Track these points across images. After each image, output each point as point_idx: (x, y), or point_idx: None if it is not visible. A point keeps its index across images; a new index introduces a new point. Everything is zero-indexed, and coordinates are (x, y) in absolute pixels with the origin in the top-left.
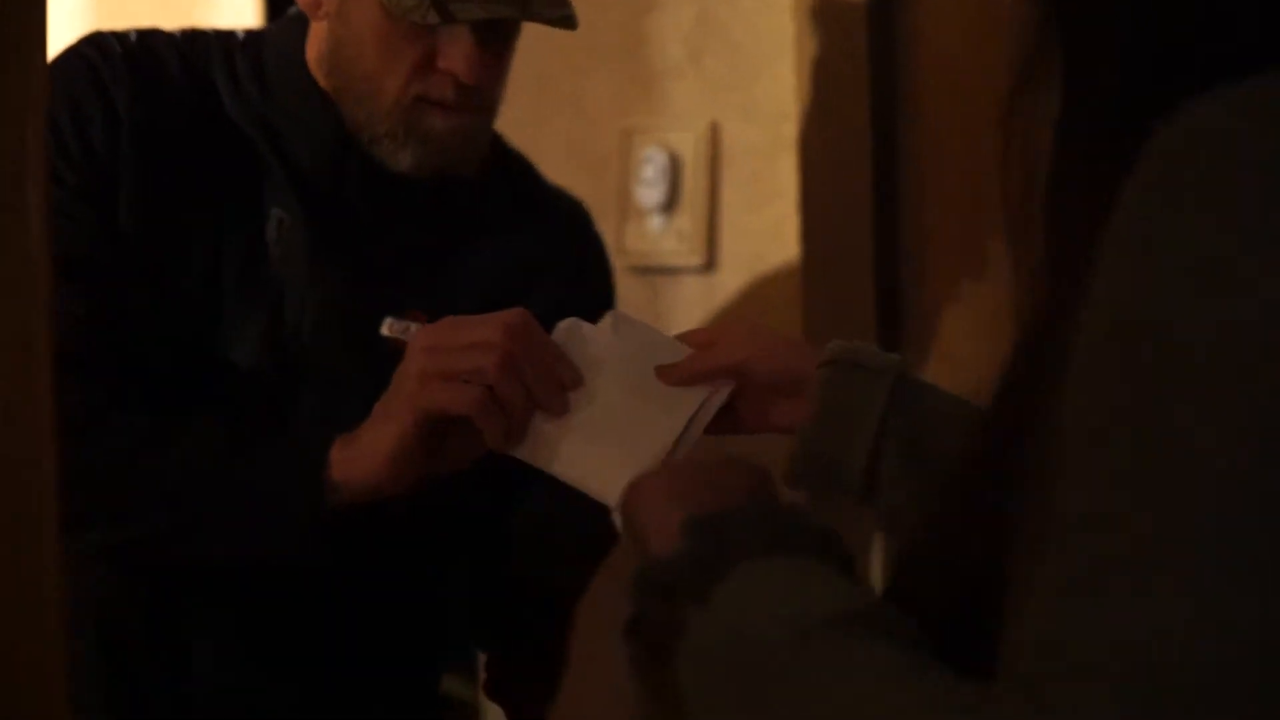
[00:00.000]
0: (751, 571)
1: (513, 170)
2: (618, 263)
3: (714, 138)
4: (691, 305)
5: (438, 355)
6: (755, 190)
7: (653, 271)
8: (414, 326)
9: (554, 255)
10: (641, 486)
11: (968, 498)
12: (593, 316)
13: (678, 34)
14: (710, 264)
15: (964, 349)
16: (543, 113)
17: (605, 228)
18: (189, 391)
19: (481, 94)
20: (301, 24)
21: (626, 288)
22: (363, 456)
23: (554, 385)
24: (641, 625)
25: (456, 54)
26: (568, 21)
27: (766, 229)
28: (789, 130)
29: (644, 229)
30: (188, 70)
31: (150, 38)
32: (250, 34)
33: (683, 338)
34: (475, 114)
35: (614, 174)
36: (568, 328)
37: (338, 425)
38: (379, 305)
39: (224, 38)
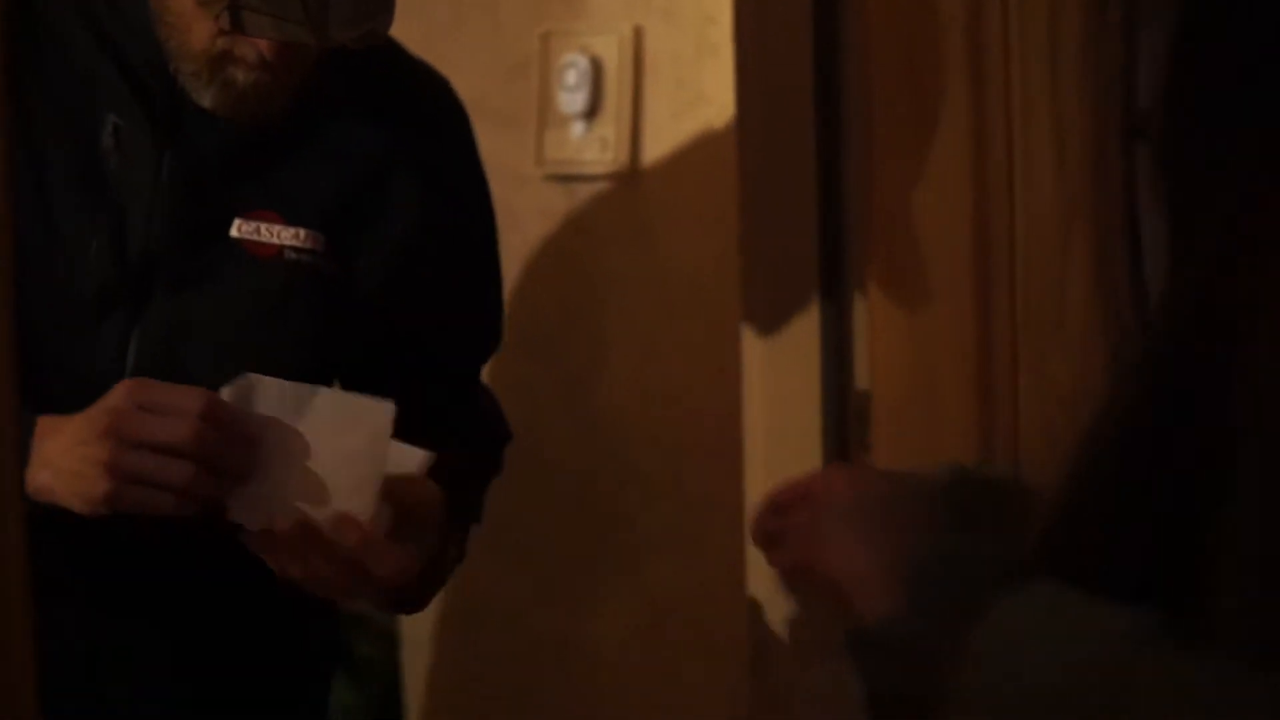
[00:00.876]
0: (1010, 608)
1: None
2: (536, 171)
3: (637, 42)
4: (614, 214)
5: (127, 455)
6: (679, 96)
7: (573, 180)
8: (264, 227)
9: (412, 143)
10: (803, 532)
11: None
12: (454, 208)
13: None
14: (634, 172)
15: (912, 260)
16: (457, 16)
17: (524, 136)
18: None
19: (284, 58)
20: None
21: (546, 197)
22: (46, 482)
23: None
24: (887, 692)
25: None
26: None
27: (692, 136)
28: (715, 34)
29: (565, 137)
30: None
31: None
32: None
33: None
34: (281, 73)
35: (533, 80)
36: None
37: (190, 335)
38: (227, 207)
39: None
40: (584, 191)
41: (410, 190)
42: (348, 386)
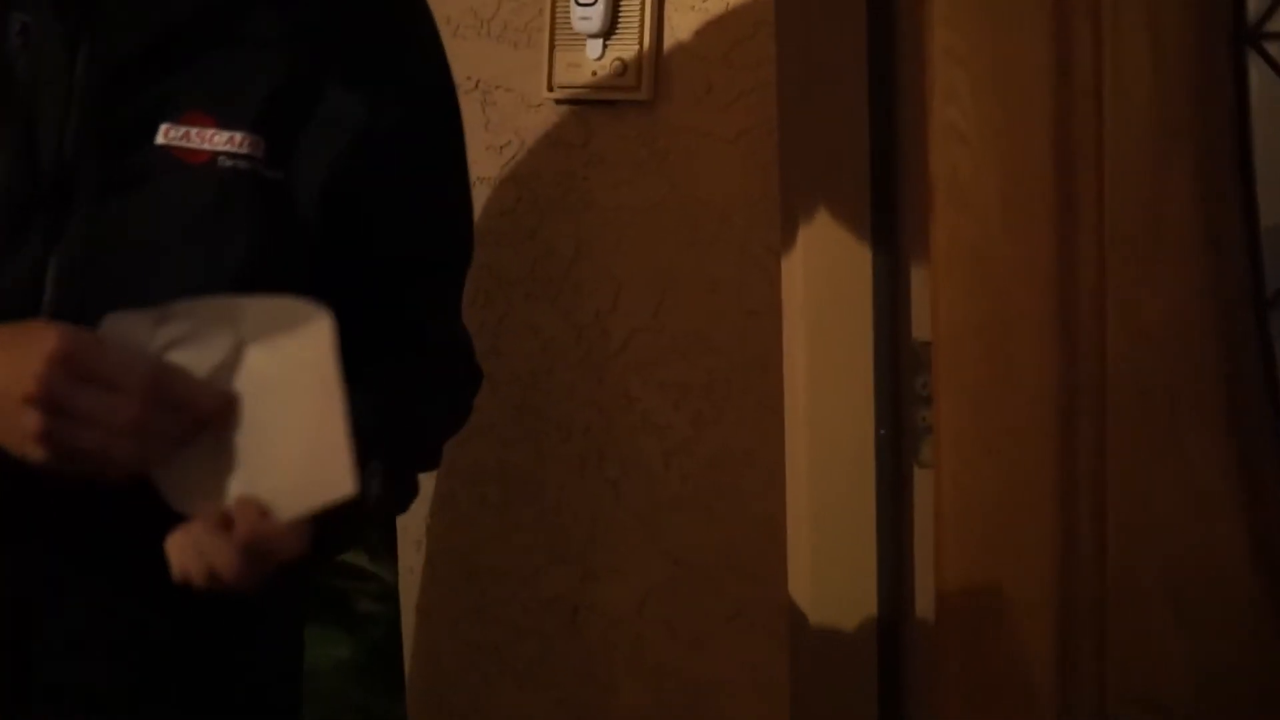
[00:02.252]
0: None
1: None
2: (547, 95)
3: None
4: (633, 143)
5: (63, 427)
6: (706, 8)
7: (588, 105)
8: (194, 131)
9: (354, 25)
10: None
11: None
12: (407, 101)
13: None
14: (655, 97)
15: (980, 180)
16: None
17: (534, 56)
18: None
19: None
20: None
21: (558, 122)
22: None
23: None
24: None
25: None
26: None
27: (720, 53)
28: None
29: (578, 57)
30: None
31: None
32: None
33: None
34: None
35: None
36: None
37: (116, 254)
38: (151, 110)
39: None
40: (600, 117)
41: (355, 81)
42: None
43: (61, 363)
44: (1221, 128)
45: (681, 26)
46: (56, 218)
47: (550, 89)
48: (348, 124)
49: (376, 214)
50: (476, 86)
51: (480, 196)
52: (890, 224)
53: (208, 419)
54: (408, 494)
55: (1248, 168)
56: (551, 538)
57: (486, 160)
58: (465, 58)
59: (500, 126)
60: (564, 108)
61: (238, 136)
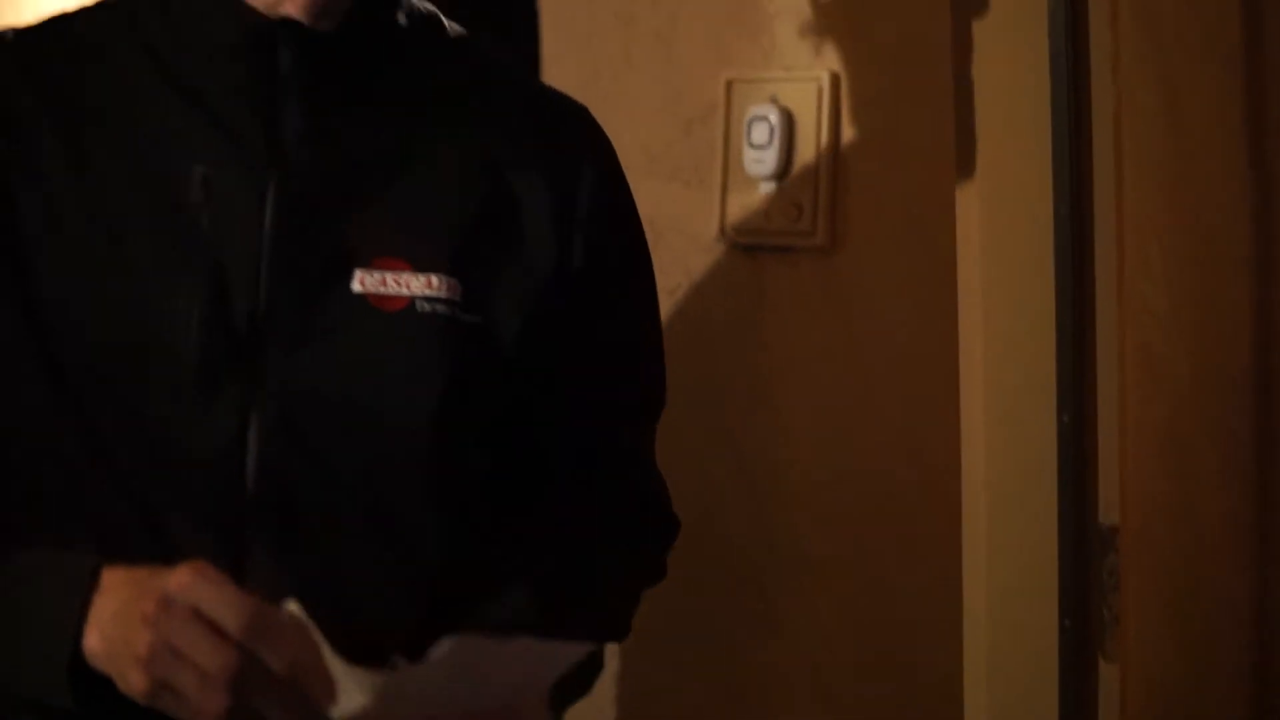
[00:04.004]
0: None
1: (478, 51)
2: (719, 238)
3: (835, 90)
4: (809, 289)
5: (163, 660)
6: (882, 151)
7: (762, 250)
8: (390, 276)
9: (550, 171)
10: None
11: None
12: (601, 246)
13: None
14: (833, 243)
15: (1167, 375)
16: (628, 57)
17: (705, 197)
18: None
19: None
20: None
21: (730, 267)
22: (95, 646)
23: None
24: None
25: None
26: None
27: (900, 200)
28: (920, 77)
29: (751, 200)
30: (70, 40)
31: (37, 27)
32: None
33: None
34: None
35: (715, 134)
36: None
37: (317, 407)
38: (344, 255)
39: None
40: (773, 262)
41: (548, 226)
42: (487, 452)
43: (183, 586)
44: None
45: (859, 170)
46: (252, 372)
47: (722, 232)
48: (541, 265)
49: (570, 359)
50: (649, 227)
51: None
52: (1078, 398)
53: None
54: (591, 672)
55: None
56: (727, 687)
57: (660, 301)
58: (636, 197)
59: (671, 268)
60: (736, 251)
61: (434, 280)
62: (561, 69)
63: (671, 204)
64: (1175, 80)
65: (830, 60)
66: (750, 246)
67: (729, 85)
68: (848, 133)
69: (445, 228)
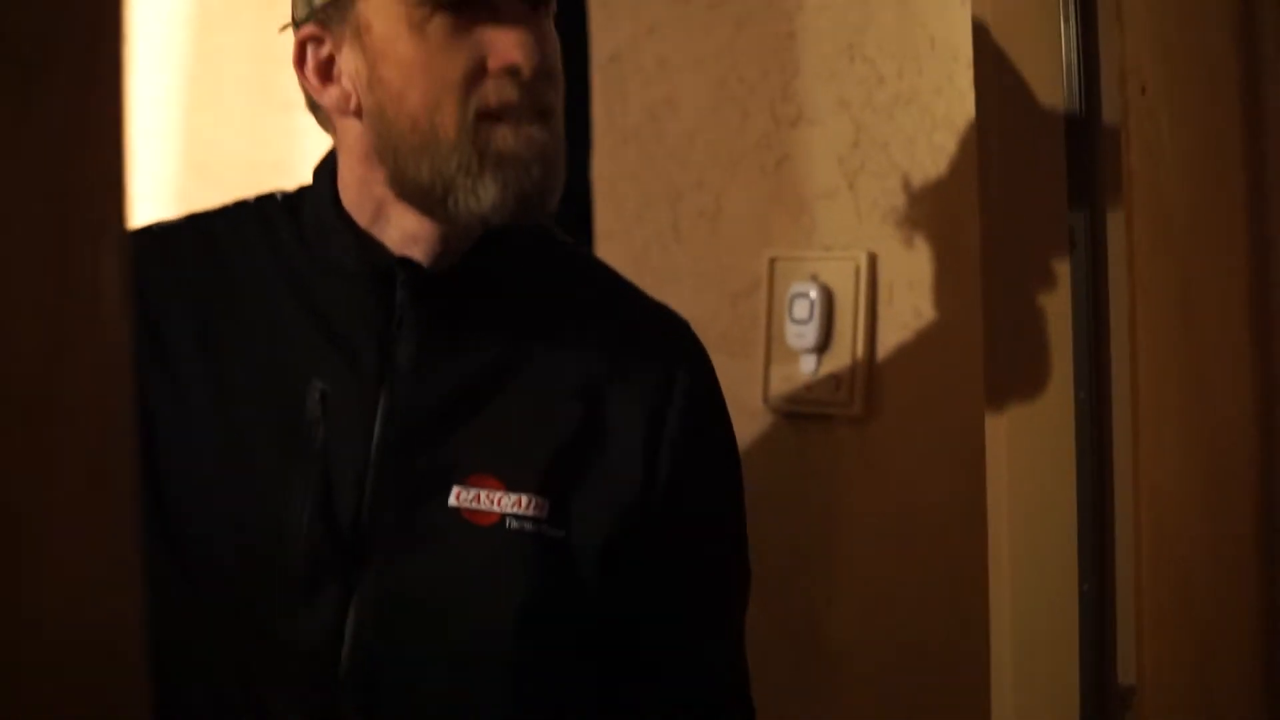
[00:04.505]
0: None
1: (582, 269)
2: (764, 408)
3: (872, 269)
4: (846, 455)
5: None
6: (918, 326)
7: (803, 418)
8: (484, 494)
9: (642, 394)
10: None
11: None
12: (691, 471)
13: (831, 152)
14: (869, 413)
15: (1179, 538)
16: (677, 231)
17: (750, 366)
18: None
19: (542, 94)
20: (329, 167)
21: (773, 433)
22: None
23: None
24: None
25: (504, 43)
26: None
27: (932, 372)
28: (960, 260)
29: (794, 371)
30: (211, 249)
31: (179, 222)
32: (286, 194)
33: None
34: (543, 124)
35: (760, 307)
36: None
37: (408, 608)
38: (443, 473)
39: (263, 201)
40: (814, 428)
41: (637, 447)
42: (576, 657)
43: None
44: None
45: (893, 345)
46: (353, 571)
47: (766, 400)
48: (625, 485)
49: (655, 575)
50: None
51: None
52: (1100, 558)
53: None
54: None
55: None
56: None
57: None
58: None
59: None
60: (779, 418)
61: (524, 499)
62: (614, 244)
63: (719, 372)
64: (1188, 276)
65: (868, 241)
66: (792, 414)
67: (772, 262)
68: (883, 309)
69: (537, 449)
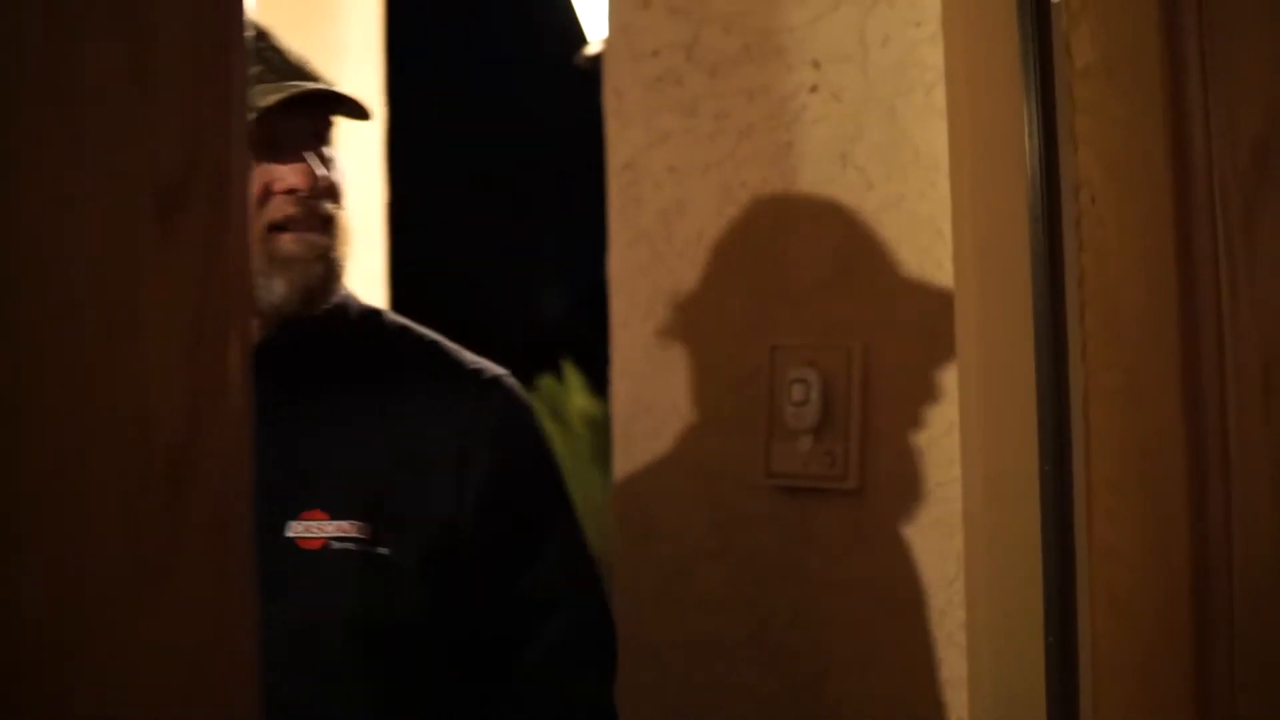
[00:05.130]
0: None
1: (409, 339)
2: (766, 482)
3: (866, 358)
4: (841, 526)
5: None
6: (905, 410)
7: (802, 493)
8: (313, 525)
9: (461, 430)
10: None
11: None
12: (518, 500)
13: (826, 250)
14: (862, 487)
15: (1133, 611)
16: (689, 323)
17: (754, 444)
18: None
19: (320, 207)
20: None
21: (774, 506)
22: None
23: None
24: None
25: (283, 171)
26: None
27: (919, 451)
28: (942, 350)
29: (793, 449)
30: None
31: None
32: None
33: None
34: (324, 230)
35: (761, 391)
36: None
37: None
38: (284, 513)
39: None
40: (812, 501)
41: (449, 477)
42: (406, 662)
43: None
44: None
45: (884, 425)
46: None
47: (768, 475)
48: (439, 508)
49: (475, 571)
50: (702, 472)
51: (704, 571)
52: (1064, 610)
53: None
54: None
55: None
56: None
57: (711, 536)
58: (694, 446)
59: (721, 504)
60: (779, 492)
61: (345, 524)
62: (628, 333)
63: (723, 452)
64: (1133, 363)
65: (861, 331)
66: (791, 488)
67: (773, 350)
68: (875, 393)
69: (360, 482)
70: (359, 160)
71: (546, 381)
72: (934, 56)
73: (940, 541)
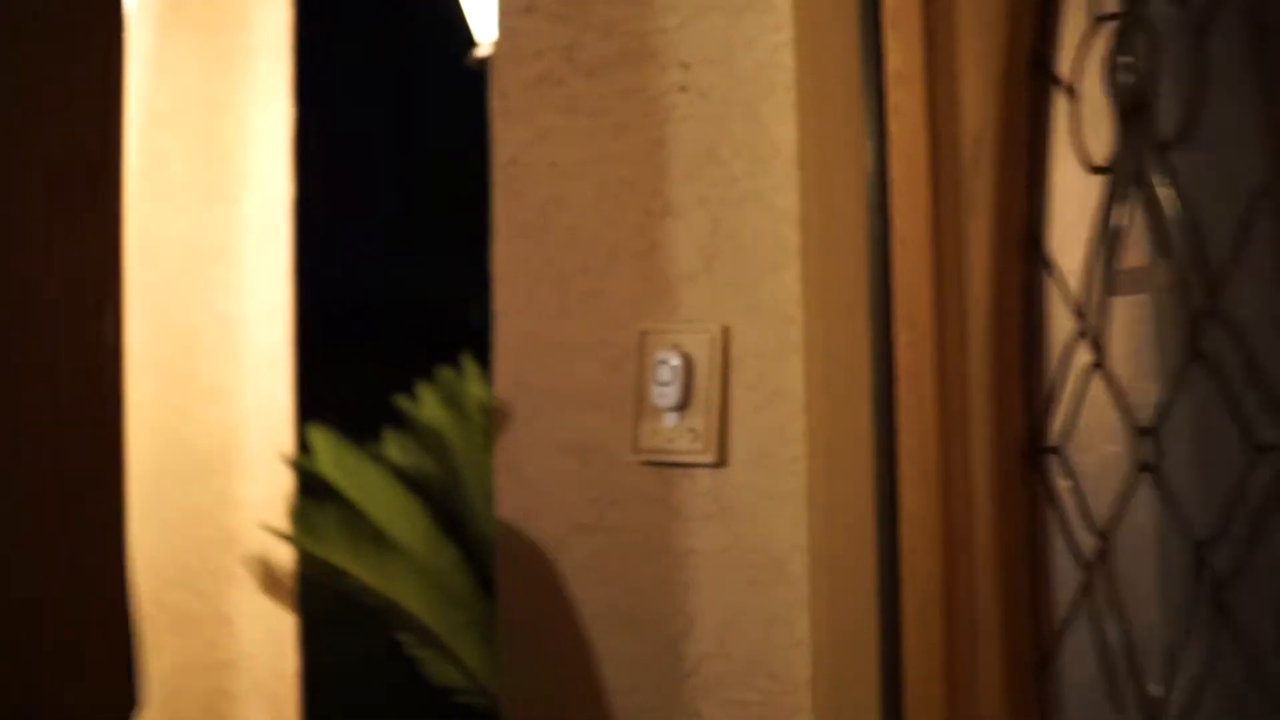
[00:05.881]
0: None
1: None
2: (634, 457)
3: (725, 341)
4: (703, 498)
5: None
6: (761, 390)
7: (667, 466)
8: None
9: None
10: None
11: None
12: None
13: (693, 241)
14: (721, 460)
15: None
16: (564, 309)
17: (622, 423)
18: None
19: None
20: None
21: (641, 480)
22: None
23: None
24: None
25: None
26: None
27: (773, 427)
28: (794, 333)
29: (659, 426)
30: None
31: None
32: None
33: None
34: None
35: (632, 372)
36: None
37: None
38: None
39: None
40: (676, 475)
41: None
42: None
43: None
44: None
45: (742, 403)
46: None
47: (636, 451)
48: None
49: None
50: (580, 449)
51: (578, 542)
52: (892, 572)
53: None
54: None
55: None
56: None
57: (587, 510)
58: (573, 426)
59: (596, 481)
60: (647, 467)
61: None
62: (510, 320)
63: (599, 429)
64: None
65: (722, 316)
66: (657, 464)
67: (642, 334)
68: (734, 373)
69: None
70: (267, 158)
71: (445, 372)
72: (791, 59)
73: (792, 511)
